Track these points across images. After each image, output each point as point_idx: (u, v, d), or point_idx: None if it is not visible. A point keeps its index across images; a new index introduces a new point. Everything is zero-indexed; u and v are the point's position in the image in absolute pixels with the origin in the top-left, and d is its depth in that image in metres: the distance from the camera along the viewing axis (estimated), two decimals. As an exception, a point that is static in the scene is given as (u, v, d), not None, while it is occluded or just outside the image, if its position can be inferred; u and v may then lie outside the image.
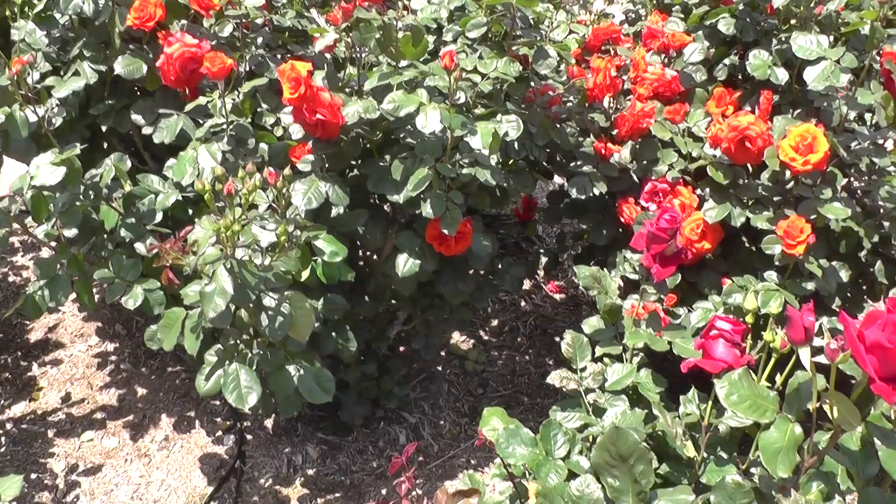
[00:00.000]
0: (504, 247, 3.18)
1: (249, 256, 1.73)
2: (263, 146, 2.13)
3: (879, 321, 1.18)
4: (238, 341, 1.94)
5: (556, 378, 1.77)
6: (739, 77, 2.66)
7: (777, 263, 2.13)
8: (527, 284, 3.48)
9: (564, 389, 1.77)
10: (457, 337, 3.19)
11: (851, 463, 1.39)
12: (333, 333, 2.19)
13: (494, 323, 3.30)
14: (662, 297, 2.09)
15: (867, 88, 2.25)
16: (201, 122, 2.15)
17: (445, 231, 1.97)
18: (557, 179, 3.01)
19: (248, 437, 2.75)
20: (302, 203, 1.95)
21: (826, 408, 1.30)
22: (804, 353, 1.26)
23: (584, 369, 1.80)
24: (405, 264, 2.11)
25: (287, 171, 1.82)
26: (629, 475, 1.32)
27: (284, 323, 1.77)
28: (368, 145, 2.16)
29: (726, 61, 2.62)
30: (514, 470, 1.70)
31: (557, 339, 3.13)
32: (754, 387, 1.34)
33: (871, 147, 2.27)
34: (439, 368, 3.04)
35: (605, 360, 1.87)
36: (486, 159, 1.98)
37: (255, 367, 1.93)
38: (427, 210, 1.96)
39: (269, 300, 1.78)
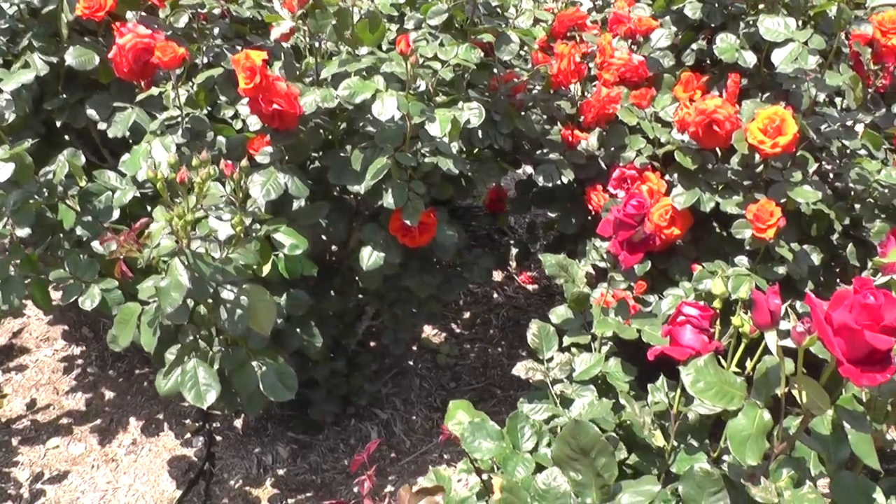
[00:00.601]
0: (476, 239, 3.13)
1: (206, 249, 1.68)
2: (221, 139, 2.08)
3: (846, 302, 1.15)
4: (198, 338, 1.88)
5: (521, 370, 1.73)
6: (707, 62, 2.63)
7: (748, 248, 2.10)
8: (499, 276, 3.44)
9: (531, 381, 1.73)
10: (428, 330, 3.15)
11: (823, 448, 1.36)
12: (298, 330, 2.14)
13: (466, 315, 3.25)
14: (632, 284, 2.06)
15: (836, 71, 2.23)
16: (157, 115, 2.09)
17: (407, 222, 1.93)
18: (527, 169, 2.97)
19: (218, 438, 2.70)
20: (260, 195, 1.90)
21: (795, 392, 1.26)
22: (770, 337, 1.22)
23: (550, 360, 1.76)
24: (369, 257, 2.07)
25: (244, 162, 1.77)
26: (591, 469, 1.28)
27: (244, 317, 1.72)
28: (330, 136, 2.11)
29: (694, 46, 2.58)
30: (482, 465, 1.66)
31: (531, 330, 3.07)
32: (721, 373, 1.31)
33: (841, 129, 2.24)
34: (411, 363, 3.00)
35: (573, 349, 1.83)
36: (447, 147, 1.94)
37: (216, 365, 1.88)
38: (388, 200, 1.92)
39: (227, 293, 1.72)
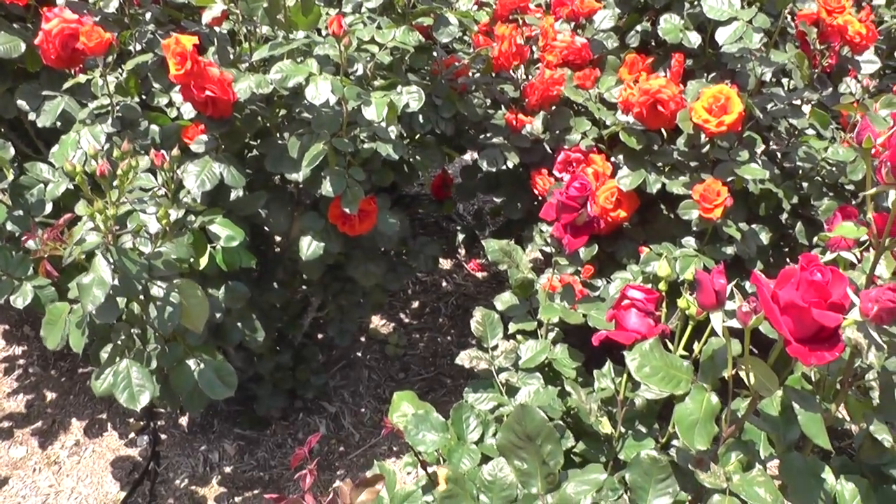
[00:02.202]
0: (423, 226, 3.08)
1: (134, 244, 1.61)
2: (155, 128, 2.01)
3: (793, 280, 1.12)
4: (133, 336, 1.82)
5: (465, 358, 1.69)
6: (652, 44, 2.61)
7: (695, 229, 2.08)
8: (448, 264, 3.39)
9: (475, 370, 1.68)
10: (376, 320, 3.09)
11: (772, 429, 1.33)
12: (239, 323, 2.07)
13: (415, 305, 3.21)
14: (578, 268, 2.02)
15: (782, 50, 2.21)
16: (89, 104, 2.01)
17: (346, 209, 1.87)
18: (474, 155, 2.93)
19: (163, 436, 2.63)
20: (195, 185, 1.84)
21: (743, 374, 1.23)
22: (716, 318, 1.19)
23: (495, 348, 1.72)
24: (309, 247, 2.01)
25: (175, 151, 1.70)
26: (537, 456, 1.24)
27: (174, 314, 1.66)
28: (267, 124, 2.05)
29: (638, 28, 2.57)
30: (426, 457, 1.62)
31: (481, 318, 3.03)
32: (667, 357, 1.27)
33: (788, 108, 2.22)
34: (359, 354, 2.94)
35: (519, 337, 1.79)
36: (385, 132, 1.89)
37: (153, 364, 1.81)
38: (327, 188, 1.86)
39: (157, 290, 1.66)
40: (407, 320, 3.13)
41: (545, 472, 1.24)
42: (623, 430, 1.56)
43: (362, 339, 3.00)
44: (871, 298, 1.10)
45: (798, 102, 2.30)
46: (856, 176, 2.07)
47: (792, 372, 1.31)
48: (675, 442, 1.52)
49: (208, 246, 1.88)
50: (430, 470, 1.58)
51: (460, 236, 2.92)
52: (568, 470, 1.28)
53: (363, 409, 2.74)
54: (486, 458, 1.50)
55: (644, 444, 1.52)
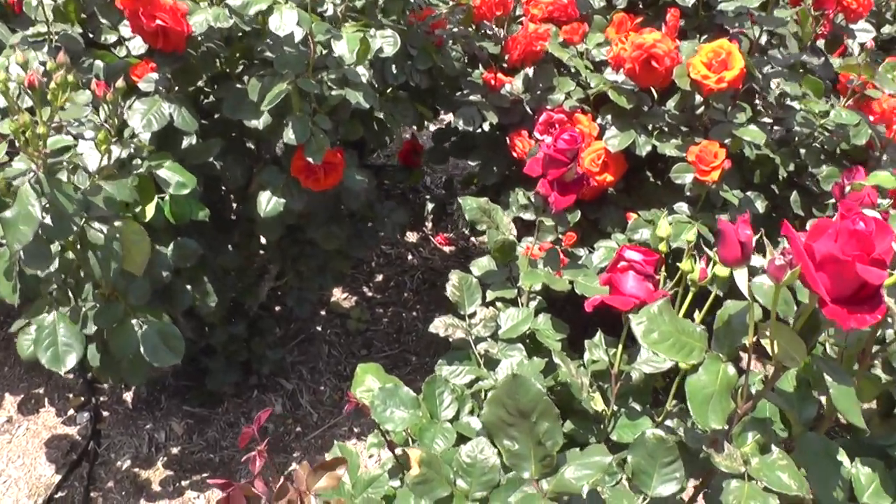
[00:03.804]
0: (389, 197, 2.90)
1: (69, 178, 1.40)
2: (100, 64, 1.81)
3: (830, 231, 0.96)
4: (67, 290, 1.62)
5: (440, 326, 1.52)
6: (640, 5, 2.46)
7: (688, 194, 1.93)
8: (414, 237, 3.22)
9: (451, 339, 1.51)
10: (338, 294, 2.91)
11: (789, 406, 1.17)
12: (189, 286, 1.88)
13: (379, 278, 3.03)
14: (560, 235, 1.85)
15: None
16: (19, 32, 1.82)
17: (310, 159, 1.69)
18: (446, 118, 2.77)
19: (105, 413, 2.43)
20: (140, 125, 1.64)
21: (765, 343, 1.07)
22: (741, 276, 1.02)
23: (473, 315, 1.55)
24: (268, 203, 1.83)
25: (121, 82, 1.51)
26: (531, 436, 1.06)
27: (115, 256, 1.46)
28: (227, 68, 1.86)
29: (628, -11, 2.42)
30: (395, 437, 1.45)
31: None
32: (678, 322, 1.10)
33: (786, 71, 2.08)
34: (319, 329, 2.76)
35: (499, 304, 1.62)
36: (355, 75, 1.71)
37: (90, 325, 1.62)
38: (289, 135, 1.68)
39: (94, 234, 1.45)
40: (370, 294, 2.96)
41: (540, 454, 1.06)
42: (615, 407, 1.39)
43: (322, 312, 2.82)
44: (924, 251, 0.94)
45: (794, 62, 2.16)
46: (860, 140, 1.95)
47: (817, 341, 1.16)
48: (670, 422, 1.36)
49: (156, 196, 1.68)
50: (398, 451, 1.42)
51: (429, 206, 2.75)
52: (565, 452, 1.11)
53: (322, 388, 2.56)
54: (462, 439, 1.33)
55: (640, 423, 1.35)
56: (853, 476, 1.20)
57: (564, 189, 1.56)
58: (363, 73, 1.72)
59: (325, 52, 1.66)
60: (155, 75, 1.74)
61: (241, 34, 1.78)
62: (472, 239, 3.20)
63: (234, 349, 2.34)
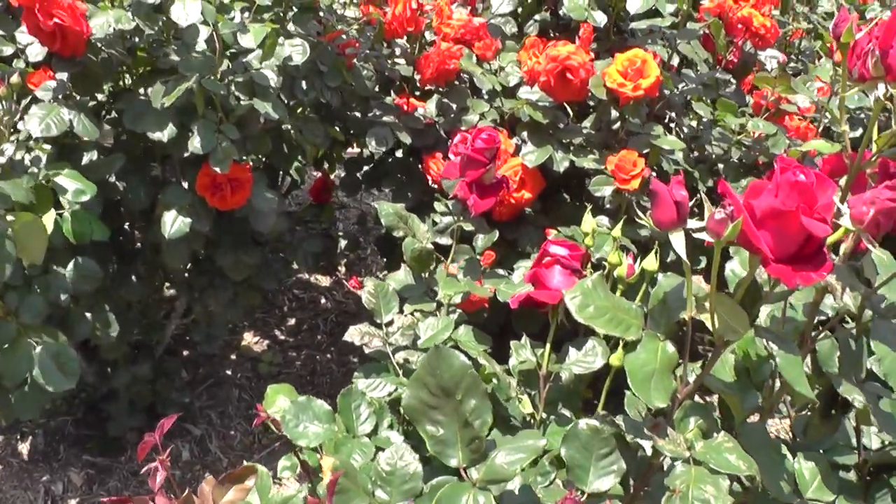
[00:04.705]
0: (303, 237, 2.83)
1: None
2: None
3: (770, 186, 0.91)
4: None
5: (355, 334, 1.43)
6: (551, 33, 2.44)
7: (608, 206, 1.89)
8: (327, 281, 3.11)
9: (366, 348, 1.42)
10: (249, 338, 2.78)
11: (730, 391, 1.11)
12: (88, 314, 1.75)
13: (291, 322, 2.91)
14: (478, 256, 1.77)
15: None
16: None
17: (217, 168, 1.59)
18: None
19: (-3, 467, 2.25)
20: (38, 130, 1.52)
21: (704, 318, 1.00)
22: (677, 238, 0.96)
23: (390, 323, 1.47)
24: (173, 223, 1.71)
25: (16, 78, 1.40)
26: (456, 416, 0.97)
27: (9, 258, 1.34)
28: (130, 79, 1.77)
29: (537, 17, 2.41)
30: (308, 457, 1.34)
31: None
32: (613, 298, 1.03)
33: (701, 88, 2.07)
34: (228, 373, 2.62)
35: (417, 314, 1.53)
36: (264, 79, 1.62)
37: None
38: (195, 144, 1.59)
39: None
40: (282, 337, 2.83)
41: (468, 437, 0.96)
42: (544, 415, 1.31)
43: (233, 357, 2.68)
44: (866, 201, 0.89)
45: (708, 80, 2.17)
46: (778, 149, 1.95)
47: (758, 313, 1.09)
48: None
49: (54, 213, 1.56)
50: (313, 472, 1.31)
51: (342, 242, 2.65)
52: (494, 437, 1.02)
53: (232, 432, 2.42)
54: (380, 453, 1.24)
55: (571, 428, 1.27)
56: (797, 471, 1.14)
57: (484, 192, 1.50)
58: (272, 77, 1.63)
59: (232, 52, 1.58)
60: (53, 83, 1.63)
61: (142, 47, 1.69)
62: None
63: (137, 391, 2.19)
